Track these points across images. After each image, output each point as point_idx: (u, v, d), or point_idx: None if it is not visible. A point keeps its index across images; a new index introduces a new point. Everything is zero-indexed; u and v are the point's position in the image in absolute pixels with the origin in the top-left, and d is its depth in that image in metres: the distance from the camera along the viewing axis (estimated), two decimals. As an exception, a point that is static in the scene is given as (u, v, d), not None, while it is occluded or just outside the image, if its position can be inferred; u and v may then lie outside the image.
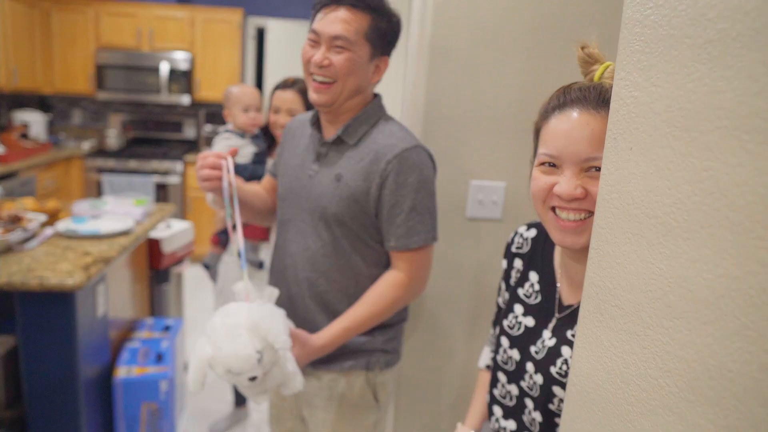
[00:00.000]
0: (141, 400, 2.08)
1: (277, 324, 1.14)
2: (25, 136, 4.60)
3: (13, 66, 4.37)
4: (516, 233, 1.13)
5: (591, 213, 0.83)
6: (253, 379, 1.12)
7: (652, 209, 0.52)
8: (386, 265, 1.37)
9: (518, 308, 1.04)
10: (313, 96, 1.28)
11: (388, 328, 1.41)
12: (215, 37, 4.96)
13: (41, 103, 5.26)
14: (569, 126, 0.84)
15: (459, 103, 1.62)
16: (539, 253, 1.05)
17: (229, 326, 1.12)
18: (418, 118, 1.68)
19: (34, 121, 4.81)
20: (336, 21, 1.23)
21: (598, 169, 0.81)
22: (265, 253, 2.30)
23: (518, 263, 1.09)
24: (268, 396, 1.21)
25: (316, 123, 1.38)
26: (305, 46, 1.29)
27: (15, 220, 2.04)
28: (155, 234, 2.60)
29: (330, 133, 1.35)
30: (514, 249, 1.11)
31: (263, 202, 1.53)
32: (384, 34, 1.29)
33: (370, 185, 1.27)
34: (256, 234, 2.28)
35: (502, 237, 1.71)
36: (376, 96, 1.37)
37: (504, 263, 1.14)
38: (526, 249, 1.09)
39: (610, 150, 0.58)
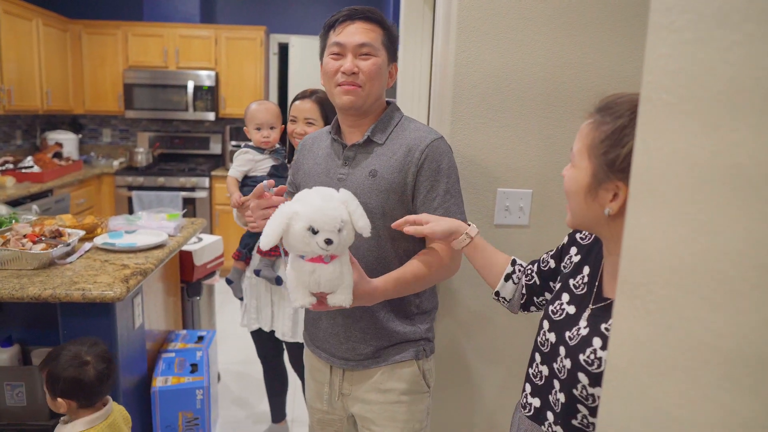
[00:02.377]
0: (178, 409, 2.12)
1: (363, 216, 1.19)
2: (58, 155, 4.74)
3: (46, 88, 4.52)
4: None
5: (568, 197, 1.03)
6: (328, 242, 1.11)
7: (685, 202, 0.53)
8: None
9: (565, 296, 1.10)
10: (343, 99, 1.36)
11: (426, 315, 1.49)
12: (239, 55, 5.07)
13: (73, 123, 5.42)
14: (587, 128, 0.98)
15: (485, 112, 1.65)
16: (596, 249, 1.10)
17: (324, 191, 1.18)
18: (445, 127, 1.71)
19: (67, 140, 4.96)
20: (357, 32, 1.35)
21: None
22: (283, 270, 2.34)
23: (574, 251, 1.15)
24: (310, 301, 1.19)
25: (337, 132, 1.47)
26: (328, 60, 1.37)
27: (56, 236, 2.12)
28: (187, 247, 2.67)
29: (354, 137, 1.43)
30: (578, 236, 1.16)
31: None
32: (393, 42, 1.41)
33: (406, 176, 1.35)
34: (273, 249, 2.32)
35: (530, 243, 1.72)
36: (388, 101, 1.47)
37: (565, 239, 1.20)
38: (587, 242, 1.14)
39: (639, 151, 0.60)
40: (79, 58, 5.00)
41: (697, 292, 0.52)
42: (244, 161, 2.24)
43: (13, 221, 2.32)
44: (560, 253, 1.20)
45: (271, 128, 2.26)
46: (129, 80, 4.97)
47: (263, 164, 2.26)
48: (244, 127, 2.32)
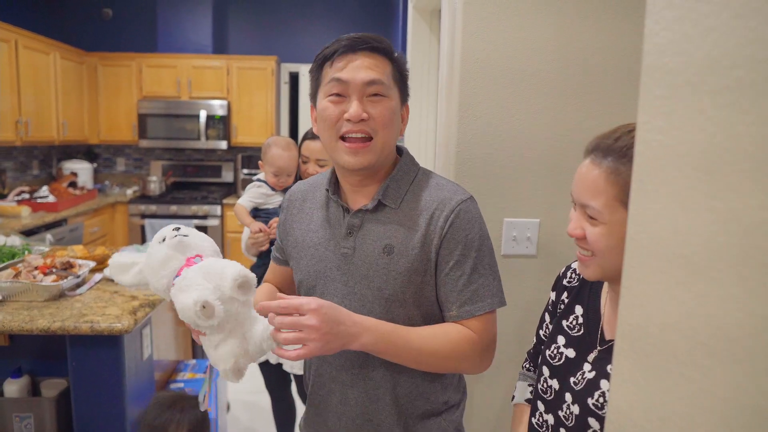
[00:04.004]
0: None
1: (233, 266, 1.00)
2: (73, 184, 4.82)
3: (63, 119, 4.61)
4: (569, 267, 1.18)
5: (593, 253, 0.95)
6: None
7: (680, 249, 0.53)
8: None
9: (561, 339, 1.08)
10: (349, 160, 1.08)
11: (454, 409, 1.21)
12: (250, 84, 5.16)
13: (88, 152, 5.51)
14: (581, 172, 0.95)
15: (490, 142, 1.66)
16: (587, 288, 1.09)
17: (191, 273, 1.03)
18: (450, 158, 1.71)
19: (82, 169, 5.04)
20: (364, 66, 1.07)
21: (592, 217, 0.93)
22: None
23: (564, 295, 1.14)
24: (237, 365, 1.02)
25: (337, 191, 1.18)
26: (325, 105, 1.09)
27: (67, 267, 2.14)
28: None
29: (360, 200, 1.16)
30: (565, 282, 1.16)
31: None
32: (405, 77, 1.15)
33: (429, 249, 1.08)
34: None
35: (538, 273, 1.71)
36: (399, 149, 1.21)
37: (552, 295, 1.17)
38: (575, 283, 1.13)
39: (636, 191, 0.61)
40: (94, 90, 5.12)
41: (694, 338, 0.51)
42: (257, 194, 2.27)
43: (26, 252, 2.35)
44: (554, 307, 1.17)
45: (288, 175, 2.28)
46: (143, 110, 5.07)
47: (274, 199, 2.29)
48: (260, 161, 2.34)
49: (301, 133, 5.43)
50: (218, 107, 5.06)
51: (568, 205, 1.68)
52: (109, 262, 1.12)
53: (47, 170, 5.14)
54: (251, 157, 5.27)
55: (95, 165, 5.42)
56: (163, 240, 1.05)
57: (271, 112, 5.21)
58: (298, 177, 2.29)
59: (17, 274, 2.02)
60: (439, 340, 1.06)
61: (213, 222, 4.90)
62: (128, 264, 1.10)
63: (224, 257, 1.09)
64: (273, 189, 2.30)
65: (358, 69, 1.07)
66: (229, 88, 5.14)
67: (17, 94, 3.96)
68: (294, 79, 5.68)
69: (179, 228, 1.06)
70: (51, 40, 4.43)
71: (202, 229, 4.84)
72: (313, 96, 1.16)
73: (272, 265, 1.36)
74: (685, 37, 0.54)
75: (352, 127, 1.07)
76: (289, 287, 1.35)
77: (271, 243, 2.27)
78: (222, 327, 0.99)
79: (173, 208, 4.89)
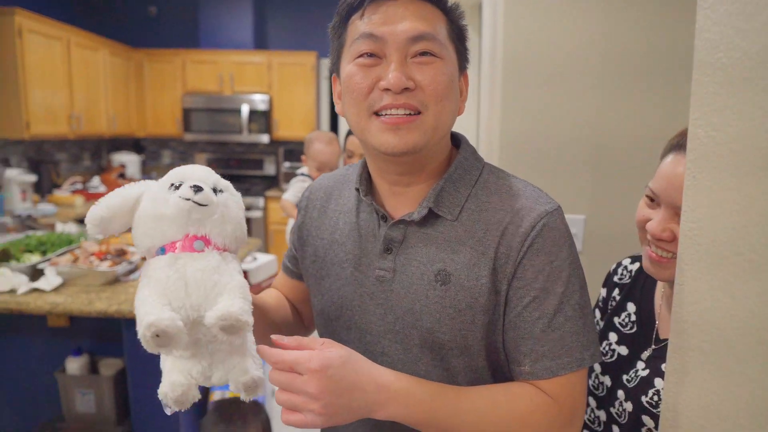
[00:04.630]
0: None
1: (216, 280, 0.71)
2: (122, 175, 5.01)
3: (112, 114, 4.78)
4: (619, 264, 1.16)
5: (675, 255, 0.84)
6: (197, 189, 0.72)
7: (738, 247, 0.53)
8: None
9: (612, 336, 1.07)
10: (387, 140, 0.76)
11: None
12: (291, 79, 5.24)
13: (135, 145, 5.70)
14: (673, 171, 0.88)
15: (534, 138, 1.66)
16: (640, 285, 1.08)
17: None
18: (493, 154, 1.73)
19: (130, 161, 5.22)
20: (407, 16, 0.75)
21: None
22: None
23: (616, 292, 1.13)
24: (185, 396, 0.70)
25: (370, 192, 0.87)
26: (353, 71, 0.78)
27: (120, 254, 2.24)
28: (243, 266, 2.76)
29: (400, 206, 0.85)
30: (615, 279, 1.14)
31: (282, 317, 1.00)
32: (463, 37, 0.83)
33: (500, 279, 0.78)
34: None
35: (584, 269, 1.71)
36: (456, 137, 0.90)
37: (603, 292, 1.17)
38: (626, 280, 1.12)
39: (690, 188, 0.61)
40: (141, 85, 5.27)
41: (754, 336, 0.52)
42: (302, 189, 2.34)
43: (81, 239, 2.47)
44: (604, 304, 1.16)
45: (331, 170, 2.34)
46: (187, 105, 5.20)
47: None
48: (303, 156, 2.40)
49: (341, 128, 5.49)
50: (260, 102, 5.16)
51: (614, 200, 1.67)
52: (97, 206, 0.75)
53: (98, 162, 5.34)
54: (292, 151, 5.36)
55: (142, 157, 5.60)
56: (176, 188, 0.73)
57: (311, 107, 5.29)
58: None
59: (75, 260, 2.13)
60: (501, 410, 0.75)
61: (256, 214, 5.01)
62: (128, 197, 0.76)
63: (268, 249, 0.99)
64: None
65: (400, 19, 0.75)
66: (270, 83, 5.23)
67: (70, 90, 4.12)
68: (333, 73, 5.73)
69: (200, 188, 0.71)
70: (100, 38, 4.59)
71: (245, 221, 4.95)
72: (336, 63, 0.84)
73: (282, 275, 1.06)
74: (739, 33, 0.54)
75: (390, 100, 0.74)
76: (304, 304, 1.04)
77: None
78: (184, 347, 0.70)
79: (216, 200, 5.00)
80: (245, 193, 5.05)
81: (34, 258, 2.15)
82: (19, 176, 3.47)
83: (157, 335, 0.63)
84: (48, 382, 2.16)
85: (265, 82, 5.22)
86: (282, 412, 0.71)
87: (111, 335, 2.17)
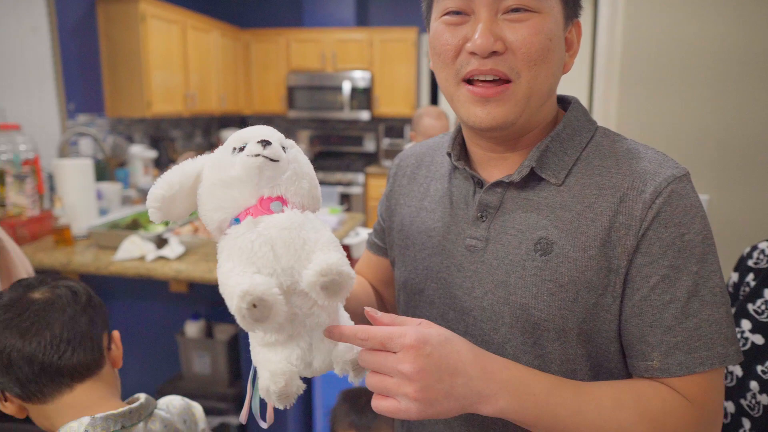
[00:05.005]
0: (337, 391, 2.24)
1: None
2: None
3: (222, 92, 5.01)
4: (755, 248, 1.06)
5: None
6: (265, 144, 0.63)
7: None
8: None
9: (745, 323, 0.99)
10: (475, 113, 0.68)
11: None
12: (392, 56, 5.22)
13: (242, 122, 5.95)
14: None
15: (654, 117, 1.56)
16: None
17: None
18: (611, 117, 1.63)
19: (237, 139, 5.46)
20: None
21: None
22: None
23: (750, 277, 1.04)
24: (289, 388, 0.61)
25: (462, 156, 0.79)
26: (439, 29, 0.69)
27: (235, 226, 2.34)
28: (346, 240, 2.80)
29: (498, 169, 0.76)
30: (750, 263, 1.05)
31: (366, 304, 0.90)
32: None
33: (615, 253, 0.66)
34: None
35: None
36: (564, 99, 0.79)
37: (734, 276, 1.08)
38: (763, 265, 1.02)
39: None
40: (248, 64, 5.47)
41: None
42: None
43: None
44: (735, 288, 1.07)
45: None
46: (291, 83, 5.34)
47: None
48: (411, 132, 2.38)
49: (441, 104, 5.42)
50: (361, 78, 5.19)
51: (740, 182, 1.54)
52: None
53: (208, 139, 5.63)
54: (393, 128, 5.37)
55: (248, 135, 5.83)
56: (240, 150, 0.63)
57: (412, 83, 5.25)
58: None
59: (196, 231, 2.25)
60: (628, 413, 0.63)
61: (356, 190, 5.09)
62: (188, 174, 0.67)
63: (368, 224, 0.89)
64: None
65: None
66: (371, 59, 5.24)
67: (185, 71, 4.35)
68: (434, 48, 5.66)
69: (268, 143, 0.62)
70: (212, 20, 4.79)
71: (346, 196, 5.04)
72: (426, 17, 0.76)
73: (367, 253, 0.98)
74: None
75: (477, 65, 0.66)
76: (387, 286, 0.97)
77: None
78: (280, 327, 0.61)
79: (318, 176, 5.01)
80: (345, 169, 5.14)
81: (159, 228, 2.30)
82: (141, 152, 3.72)
83: (254, 305, 0.54)
84: (169, 344, 2.32)
85: (366, 59, 5.24)
86: (373, 399, 0.62)
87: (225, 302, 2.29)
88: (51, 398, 0.88)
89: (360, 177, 5.09)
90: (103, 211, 2.67)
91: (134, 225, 2.30)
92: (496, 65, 0.65)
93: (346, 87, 5.20)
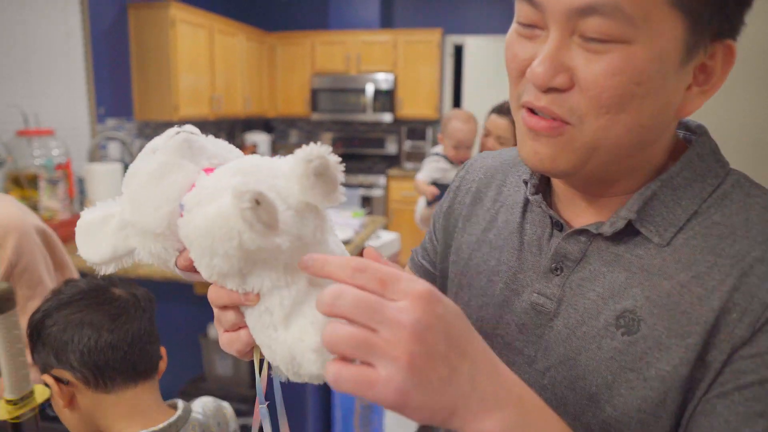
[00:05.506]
0: (355, 395, 2.27)
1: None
2: (253, 154, 5.33)
3: (247, 95, 5.08)
4: None
5: None
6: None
7: None
8: None
9: None
10: (525, 149, 0.55)
11: None
12: (415, 57, 5.23)
13: (265, 125, 6.02)
14: None
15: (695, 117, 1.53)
16: None
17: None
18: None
19: (261, 141, 5.54)
20: None
21: None
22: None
23: None
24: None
25: (541, 186, 0.63)
26: (511, 40, 0.55)
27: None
28: (368, 243, 2.83)
29: (585, 212, 0.60)
30: None
31: None
32: None
33: (713, 340, 0.49)
34: None
35: None
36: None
37: None
38: None
39: None
40: (273, 67, 5.54)
41: None
42: (435, 169, 2.34)
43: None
44: None
45: (468, 148, 2.32)
46: (315, 85, 5.39)
47: (451, 173, 2.33)
48: (440, 134, 2.40)
49: (464, 106, 5.42)
50: (384, 81, 5.22)
51: None
52: (77, 225, 0.56)
53: (232, 141, 5.60)
54: (415, 130, 5.38)
55: (272, 137, 5.90)
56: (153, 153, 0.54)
57: (435, 85, 5.26)
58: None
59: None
60: None
61: (378, 192, 5.11)
62: (101, 219, 0.55)
63: (389, 227, 0.73)
64: (450, 163, 2.34)
65: None
66: (395, 61, 5.27)
67: (212, 74, 4.43)
68: (458, 51, 5.65)
69: (182, 125, 0.56)
70: (238, 23, 4.86)
71: (367, 199, 5.07)
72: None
73: (408, 272, 0.72)
74: None
75: (533, 98, 0.52)
76: None
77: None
78: (290, 270, 0.46)
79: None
80: (367, 171, 5.16)
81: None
82: (168, 155, 3.80)
83: (257, 201, 0.41)
84: (193, 345, 2.37)
85: (390, 61, 5.27)
86: (331, 364, 0.41)
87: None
88: (115, 390, 0.92)
89: (382, 179, 5.12)
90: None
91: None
92: (552, 104, 0.50)
93: (369, 89, 5.23)
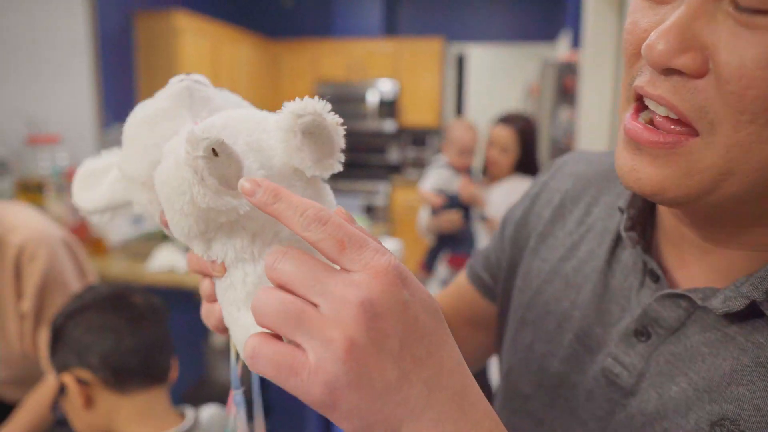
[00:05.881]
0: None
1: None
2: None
3: (250, 102, 5.08)
4: None
5: None
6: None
7: None
8: None
9: None
10: (619, 159, 0.39)
11: None
12: (418, 65, 5.27)
13: (270, 132, 6.04)
14: None
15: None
16: None
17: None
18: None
19: (265, 148, 5.56)
20: None
21: None
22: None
23: None
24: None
25: (641, 218, 0.48)
26: (635, 7, 0.38)
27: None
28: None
29: (695, 264, 0.44)
30: None
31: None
32: None
33: None
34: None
35: None
36: None
37: None
38: None
39: None
40: (277, 75, 5.57)
41: None
42: (439, 178, 2.36)
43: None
44: None
45: (471, 154, 2.35)
46: (318, 93, 5.40)
47: (455, 181, 2.35)
48: (444, 143, 2.43)
49: (466, 114, 5.45)
50: (387, 88, 5.25)
51: None
52: (77, 172, 0.52)
53: (236, 148, 5.73)
54: (418, 138, 5.41)
55: (276, 143, 5.92)
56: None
57: (438, 93, 5.29)
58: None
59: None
60: None
61: (379, 200, 5.14)
62: (103, 168, 0.51)
63: (392, 236, 0.69)
64: (454, 172, 2.37)
65: None
66: (397, 69, 5.29)
67: (216, 81, 4.26)
68: (460, 59, 5.69)
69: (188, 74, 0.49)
70: (243, 31, 4.89)
71: (370, 206, 5.10)
72: None
73: (464, 281, 0.68)
74: None
75: (646, 81, 0.36)
76: (474, 328, 0.67)
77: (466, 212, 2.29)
78: (260, 243, 0.38)
79: (342, 185, 5.20)
80: (370, 179, 5.19)
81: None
82: (173, 161, 3.83)
83: (215, 151, 0.35)
84: (195, 352, 2.38)
85: (393, 69, 5.30)
86: (250, 339, 0.32)
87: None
88: (130, 393, 0.94)
89: (384, 187, 5.14)
90: (136, 220, 2.77)
91: (166, 235, 2.38)
92: (673, 94, 0.35)
93: (372, 97, 5.26)
